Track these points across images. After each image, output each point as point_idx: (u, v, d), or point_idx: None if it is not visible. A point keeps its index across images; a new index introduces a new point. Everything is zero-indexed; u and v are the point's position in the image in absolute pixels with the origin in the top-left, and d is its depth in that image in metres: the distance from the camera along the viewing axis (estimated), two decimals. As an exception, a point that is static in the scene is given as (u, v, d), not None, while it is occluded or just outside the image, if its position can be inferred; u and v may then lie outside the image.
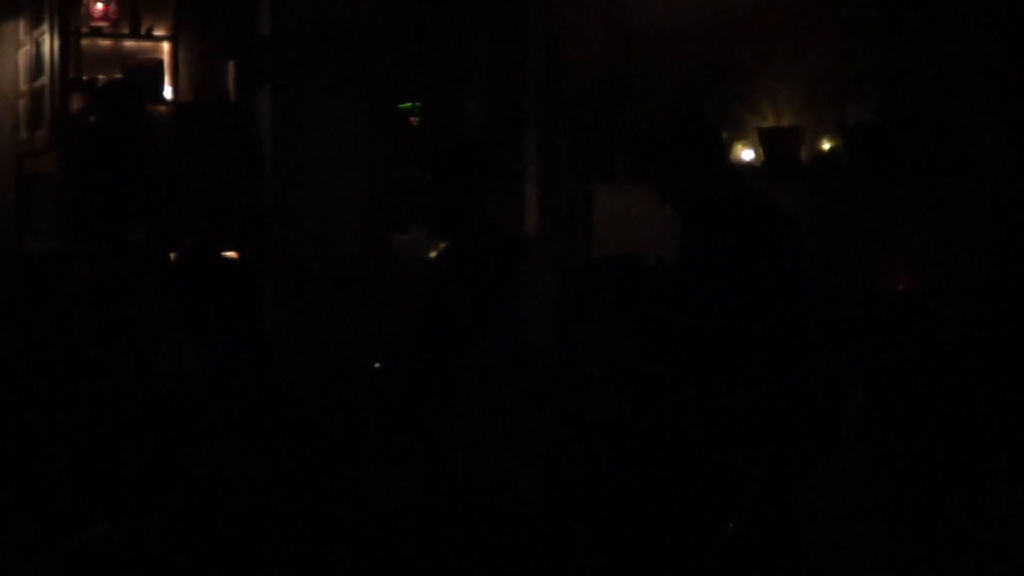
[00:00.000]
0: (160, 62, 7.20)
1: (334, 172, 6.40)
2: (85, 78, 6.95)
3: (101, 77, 6.96)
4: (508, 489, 3.48)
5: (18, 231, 7.25)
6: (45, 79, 7.06)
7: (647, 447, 3.39)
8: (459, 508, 3.40)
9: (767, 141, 5.59)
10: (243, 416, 4.47)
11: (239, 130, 6.50)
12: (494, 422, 3.72)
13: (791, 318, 3.49)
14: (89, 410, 4.48)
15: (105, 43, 7.15)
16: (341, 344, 5.85)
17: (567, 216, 6.62)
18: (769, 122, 5.67)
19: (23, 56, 7.47)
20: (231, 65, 6.90)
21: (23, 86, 7.47)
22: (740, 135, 5.71)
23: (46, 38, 7.03)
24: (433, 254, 4.62)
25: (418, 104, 6.91)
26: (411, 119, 6.90)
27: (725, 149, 5.45)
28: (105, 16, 7.07)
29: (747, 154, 5.68)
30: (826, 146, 5.40)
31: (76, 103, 6.67)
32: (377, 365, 4.42)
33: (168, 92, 7.19)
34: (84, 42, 7.03)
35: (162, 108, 7.06)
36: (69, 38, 6.93)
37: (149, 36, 7.21)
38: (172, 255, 5.60)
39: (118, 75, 7.02)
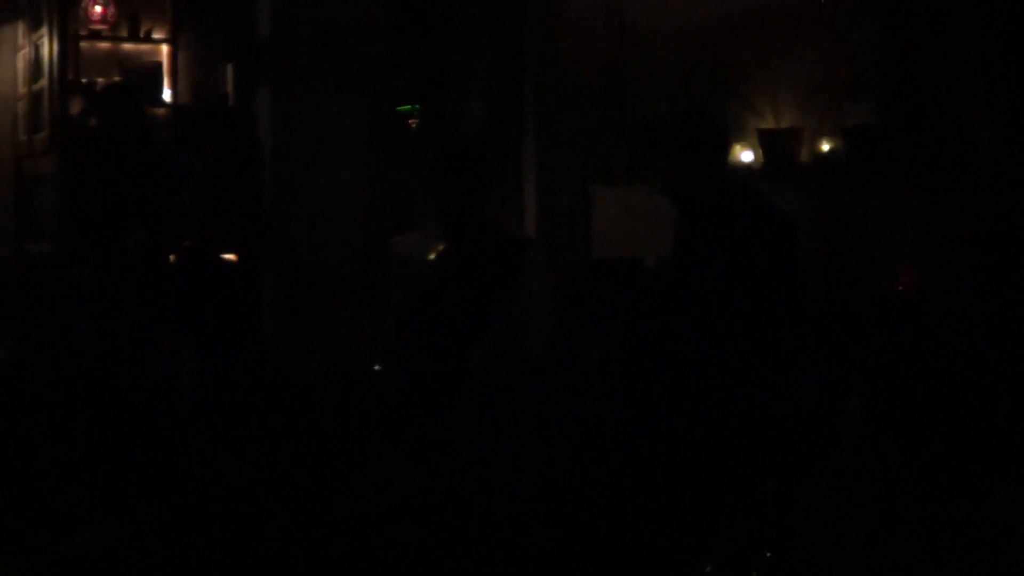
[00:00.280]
0: (159, 64, 7.21)
1: (333, 174, 6.40)
2: (84, 81, 6.95)
3: (100, 80, 6.96)
4: (508, 489, 3.48)
5: (17, 233, 7.25)
6: (44, 82, 7.06)
7: (646, 447, 3.39)
8: (459, 508, 3.40)
9: (767, 142, 5.59)
10: (242, 417, 4.48)
11: (238, 132, 6.51)
12: (494, 423, 3.72)
13: (790, 318, 3.49)
14: (89, 411, 4.48)
15: (104, 46, 7.16)
16: (340, 345, 5.84)
17: (566, 217, 6.62)
18: (769, 123, 5.67)
19: (22, 59, 7.47)
20: (230, 67, 6.91)
21: (22, 89, 7.47)
22: (740, 136, 5.71)
23: (45, 41, 7.03)
24: (432, 255, 4.62)
25: (417, 106, 6.91)
26: (410, 121, 6.90)
27: (730, 145, 5.45)
28: (104, 19, 7.08)
29: (747, 155, 5.68)
30: (825, 147, 5.40)
31: (75, 106, 6.67)
32: (377, 367, 4.43)
33: (167, 94, 7.19)
34: (83, 45, 7.03)
35: (161, 110, 7.07)
36: (68, 41, 6.93)
37: (148, 39, 7.22)
38: (171, 257, 5.60)
39: (117, 78, 7.02)
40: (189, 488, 3.89)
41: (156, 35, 7.22)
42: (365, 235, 6.43)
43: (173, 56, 7.21)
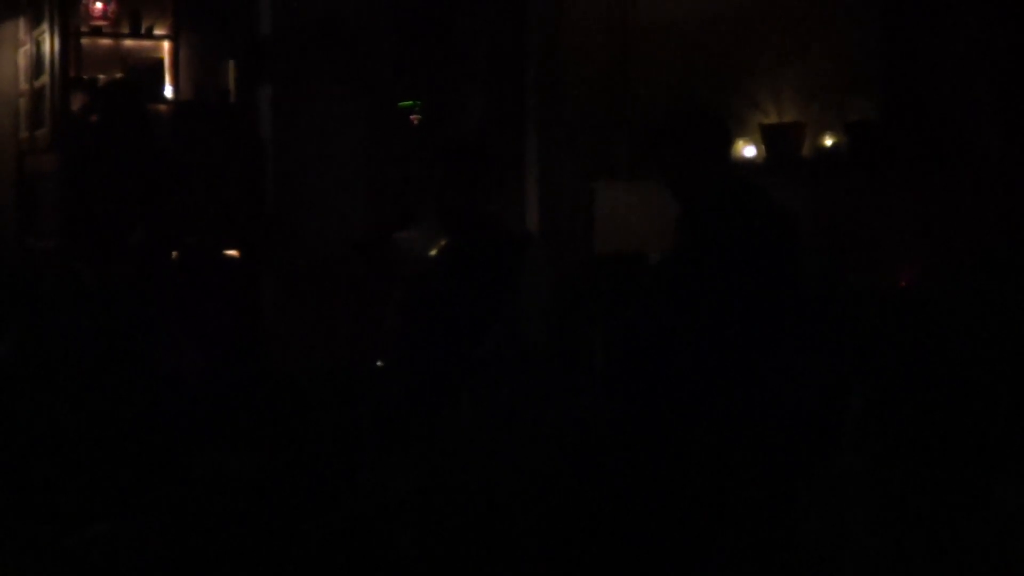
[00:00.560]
0: (160, 61, 7.20)
1: (334, 170, 6.40)
2: (85, 77, 6.95)
3: (101, 76, 6.96)
4: (508, 488, 3.48)
5: (19, 230, 7.25)
6: (45, 78, 7.06)
7: (647, 444, 3.39)
8: (459, 507, 3.40)
9: (769, 137, 5.58)
10: (244, 414, 4.48)
11: (239, 129, 6.51)
12: (495, 419, 3.72)
13: (792, 315, 3.48)
14: (89, 409, 4.48)
15: (105, 42, 7.15)
16: (342, 342, 5.84)
17: (568, 213, 6.61)
18: (771, 118, 5.65)
19: (23, 55, 7.47)
20: (231, 64, 6.90)
21: (23, 85, 7.47)
22: (742, 131, 5.70)
23: (46, 37, 7.03)
24: (434, 252, 4.62)
25: (418, 102, 6.90)
26: (411, 117, 6.89)
27: (732, 143, 5.44)
28: (105, 15, 7.08)
29: (749, 150, 5.67)
30: (828, 142, 5.39)
31: (77, 102, 6.67)
32: (379, 363, 4.43)
33: (168, 91, 7.18)
34: (84, 41, 7.02)
35: (162, 107, 7.06)
36: (69, 38, 6.92)
37: (149, 35, 7.21)
38: (173, 254, 5.60)
39: (118, 74, 7.02)
40: (190, 485, 3.90)
41: (158, 32, 7.22)
42: (366, 232, 6.43)
43: (174, 53, 7.20)
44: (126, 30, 7.16)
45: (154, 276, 5.37)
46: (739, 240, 3.47)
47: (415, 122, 6.89)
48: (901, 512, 2.75)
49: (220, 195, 6.04)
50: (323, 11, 6.33)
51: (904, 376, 3.56)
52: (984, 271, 4.30)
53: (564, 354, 4.08)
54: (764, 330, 3.43)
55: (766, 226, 3.54)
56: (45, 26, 7.03)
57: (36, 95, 7.25)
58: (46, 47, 7.03)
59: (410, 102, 6.90)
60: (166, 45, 7.23)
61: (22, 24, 7.45)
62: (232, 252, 6.08)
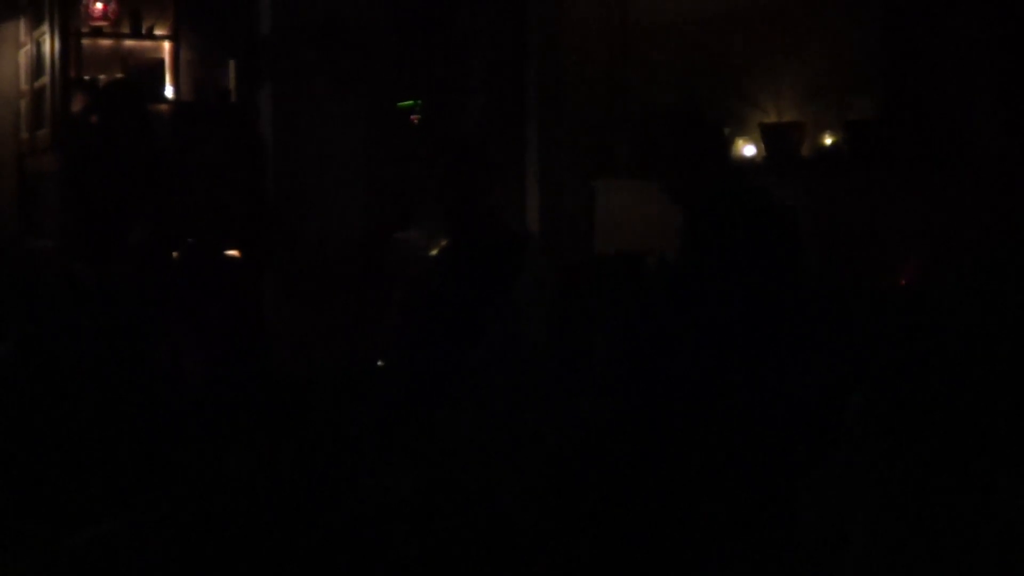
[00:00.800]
0: (161, 61, 7.21)
1: (335, 170, 6.40)
2: (86, 78, 6.95)
3: (102, 77, 6.96)
4: (508, 488, 3.48)
5: (19, 230, 7.26)
6: (46, 79, 7.07)
7: (647, 443, 3.39)
8: (459, 507, 3.40)
9: (769, 136, 5.58)
10: (245, 413, 4.48)
11: (240, 129, 6.50)
12: (495, 419, 3.72)
13: (792, 314, 3.48)
14: (90, 408, 4.48)
15: (105, 43, 7.16)
16: (342, 342, 5.85)
17: (569, 212, 6.61)
18: (771, 117, 5.65)
19: (24, 56, 7.48)
20: (232, 64, 6.90)
21: (24, 86, 7.48)
22: (741, 130, 5.70)
23: (46, 38, 7.04)
24: (434, 251, 4.62)
25: (418, 102, 6.90)
26: (411, 117, 6.89)
27: (728, 147, 5.44)
28: (105, 16, 7.08)
29: (749, 149, 5.66)
30: (828, 141, 5.38)
31: (77, 103, 6.67)
32: (380, 363, 4.43)
33: (169, 91, 7.19)
34: (84, 42, 7.03)
35: (163, 107, 7.06)
36: (70, 38, 6.93)
37: (150, 36, 7.22)
38: (174, 254, 5.59)
39: (119, 75, 7.02)
40: (191, 485, 3.90)
41: (158, 32, 7.22)
42: (366, 231, 6.43)
43: (175, 53, 7.21)
44: (126, 30, 7.17)
45: (154, 276, 5.37)
46: (741, 238, 3.47)
47: (415, 122, 6.89)
48: (901, 512, 2.75)
49: (220, 195, 6.03)
50: (323, 11, 6.33)
51: (904, 375, 3.55)
52: (984, 271, 4.30)
53: (564, 354, 4.08)
54: (764, 329, 3.43)
55: (768, 224, 3.54)
56: (45, 26, 7.04)
57: (36, 96, 7.26)
58: (46, 47, 7.04)
59: (410, 102, 6.91)
60: (166, 45, 7.24)
61: (22, 24, 7.46)
62: (232, 252, 6.08)
